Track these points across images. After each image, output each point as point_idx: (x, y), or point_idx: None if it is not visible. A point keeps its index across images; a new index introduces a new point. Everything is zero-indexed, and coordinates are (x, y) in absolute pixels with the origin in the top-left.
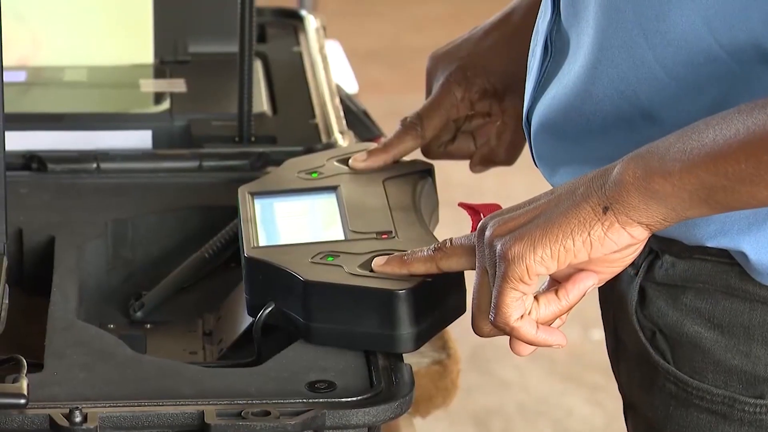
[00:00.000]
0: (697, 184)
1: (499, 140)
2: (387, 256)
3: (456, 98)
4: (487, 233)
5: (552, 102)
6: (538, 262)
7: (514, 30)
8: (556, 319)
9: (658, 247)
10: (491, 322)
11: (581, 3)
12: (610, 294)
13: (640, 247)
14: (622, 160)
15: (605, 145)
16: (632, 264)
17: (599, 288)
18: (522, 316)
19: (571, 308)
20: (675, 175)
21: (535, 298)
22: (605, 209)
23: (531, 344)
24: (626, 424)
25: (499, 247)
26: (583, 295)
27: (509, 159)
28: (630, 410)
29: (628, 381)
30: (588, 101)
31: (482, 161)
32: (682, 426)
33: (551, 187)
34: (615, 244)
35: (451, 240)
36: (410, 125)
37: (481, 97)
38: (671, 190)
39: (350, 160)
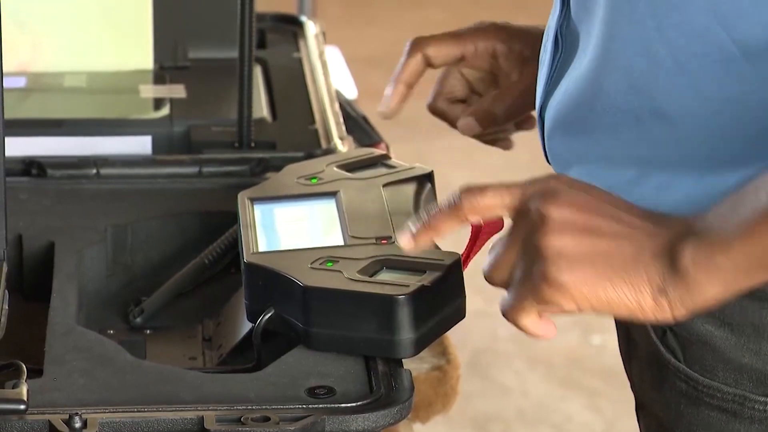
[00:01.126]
0: (759, 251)
1: (499, 101)
2: (408, 234)
3: (489, 47)
4: (543, 214)
5: (564, 97)
6: (576, 302)
7: None
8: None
9: None
10: (502, 309)
11: None
12: None
13: None
14: (680, 241)
15: (616, 143)
16: None
17: None
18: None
19: None
20: (737, 245)
21: None
22: (661, 290)
23: (530, 335)
24: (638, 424)
25: (546, 257)
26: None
27: (507, 118)
28: (641, 410)
29: (639, 380)
30: (599, 96)
31: (477, 114)
32: (692, 424)
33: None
34: (656, 320)
35: (473, 191)
36: (416, 45)
37: (511, 55)
38: (732, 264)
39: (379, 108)
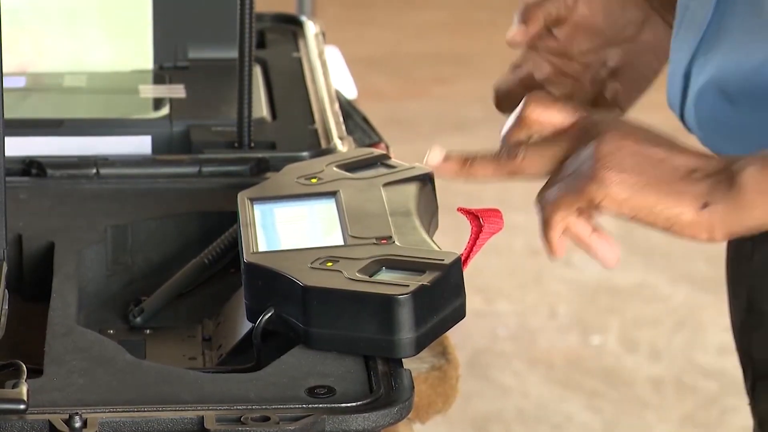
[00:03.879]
0: None
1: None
2: (444, 151)
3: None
4: (602, 134)
5: (723, 62)
6: (619, 203)
7: None
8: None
9: None
10: (538, 199)
11: None
12: (746, 266)
13: None
14: (741, 161)
15: (766, 114)
16: None
17: (728, 264)
18: (567, 217)
19: (594, 248)
20: None
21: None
22: (705, 204)
23: (546, 239)
24: (754, 401)
25: (599, 159)
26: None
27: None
28: (764, 381)
29: (764, 351)
30: (761, 67)
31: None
32: None
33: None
34: (692, 237)
35: (522, 143)
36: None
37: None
38: None
39: (510, 33)
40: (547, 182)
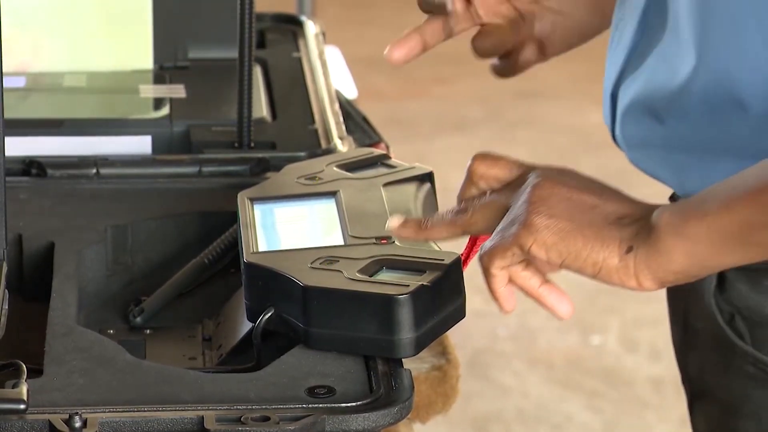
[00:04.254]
0: (735, 222)
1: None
2: (402, 217)
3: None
4: (537, 180)
5: (646, 82)
6: (545, 249)
7: None
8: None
9: None
10: (479, 254)
11: None
12: (681, 285)
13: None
14: (660, 208)
15: (689, 128)
16: None
17: None
18: (505, 267)
19: (544, 299)
20: (711, 215)
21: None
22: (629, 249)
23: (491, 292)
24: (692, 419)
25: (528, 208)
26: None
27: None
28: (701, 399)
29: (699, 369)
30: (684, 85)
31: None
32: (759, 407)
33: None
34: (621, 284)
35: (473, 199)
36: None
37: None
38: (705, 233)
39: (386, 51)
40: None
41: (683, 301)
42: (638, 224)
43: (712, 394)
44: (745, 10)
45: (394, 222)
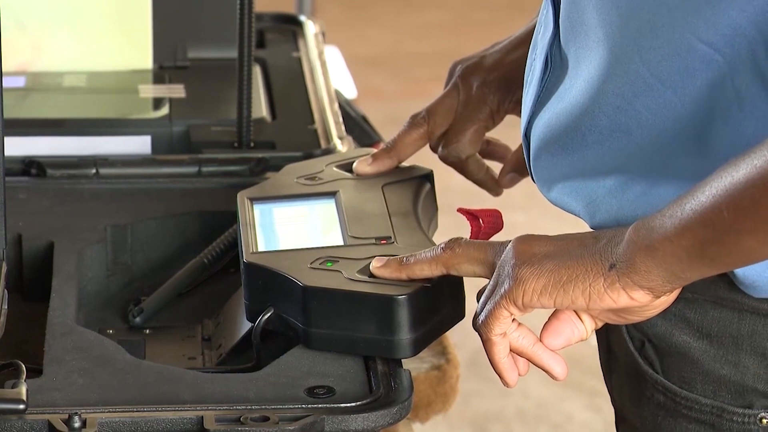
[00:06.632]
0: (692, 240)
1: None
2: (385, 257)
3: (491, 107)
4: (516, 240)
5: (551, 119)
6: (537, 294)
7: None
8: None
9: None
10: (474, 324)
11: (578, 19)
12: None
13: (660, 306)
14: (630, 228)
15: (599, 156)
16: None
17: None
18: (504, 333)
19: (538, 358)
20: (672, 233)
21: (519, 323)
22: (611, 266)
23: (493, 363)
24: None
25: (512, 263)
26: (563, 345)
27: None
28: (622, 423)
29: (619, 393)
30: (587, 117)
31: (517, 168)
32: None
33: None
34: (613, 302)
35: (459, 242)
36: (417, 123)
37: (514, 108)
38: (670, 250)
39: (355, 164)
40: (478, 309)
41: (605, 325)
42: (614, 241)
43: (630, 420)
44: (629, 47)
45: (375, 263)
